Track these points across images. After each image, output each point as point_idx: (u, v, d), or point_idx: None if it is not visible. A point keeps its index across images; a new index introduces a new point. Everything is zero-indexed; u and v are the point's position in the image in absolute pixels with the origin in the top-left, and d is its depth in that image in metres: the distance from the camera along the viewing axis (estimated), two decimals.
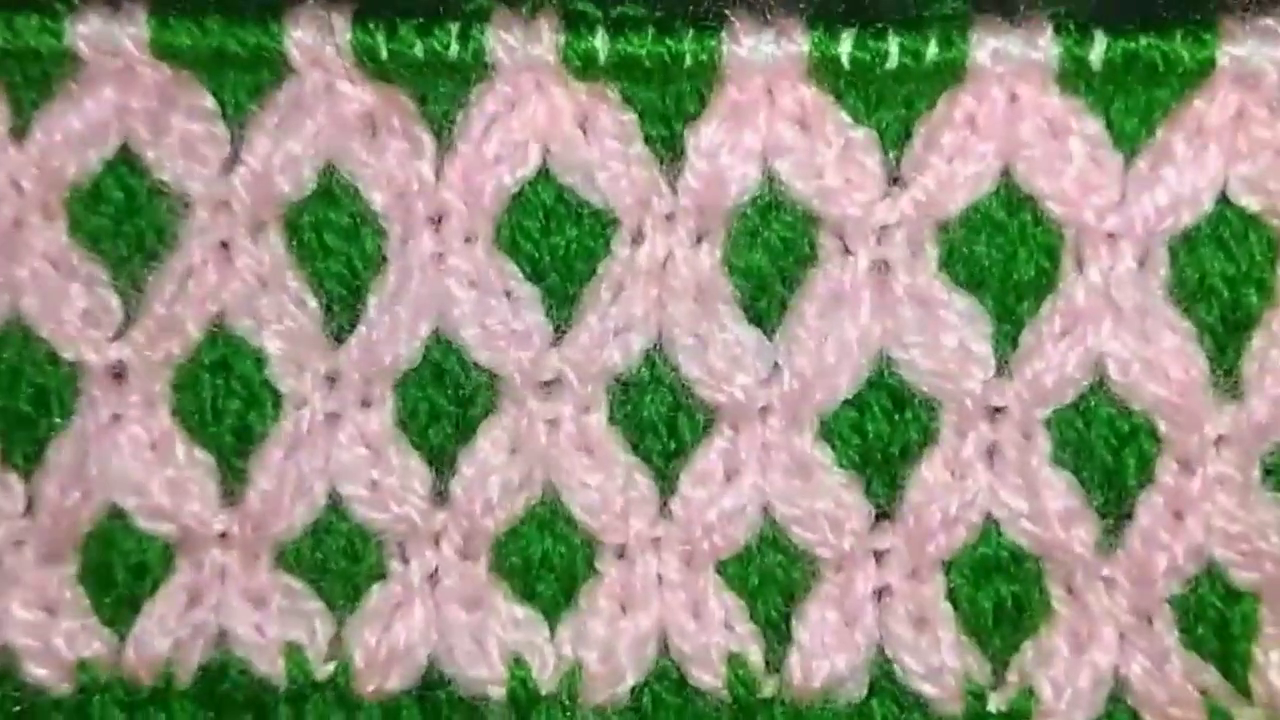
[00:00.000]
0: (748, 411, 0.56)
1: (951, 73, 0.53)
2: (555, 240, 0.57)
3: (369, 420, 0.57)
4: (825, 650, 0.57)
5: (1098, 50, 0.52)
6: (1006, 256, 0.56)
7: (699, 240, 0.56)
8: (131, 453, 0.57)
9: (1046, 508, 0.56)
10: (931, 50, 0.52)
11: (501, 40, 0.53)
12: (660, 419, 0.57)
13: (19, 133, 0.56)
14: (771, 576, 0.58)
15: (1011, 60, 0.53)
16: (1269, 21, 0.52)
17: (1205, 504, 0.56)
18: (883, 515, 0.57)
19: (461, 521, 0.57)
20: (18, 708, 0.59)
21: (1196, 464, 0.56)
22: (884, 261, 0.55)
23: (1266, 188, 0.54)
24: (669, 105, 0.55)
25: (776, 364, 0.56)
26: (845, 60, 0.53)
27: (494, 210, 0.56)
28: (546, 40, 0.53)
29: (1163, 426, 0.56)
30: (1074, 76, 0.53)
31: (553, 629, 0.58)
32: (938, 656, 0.57)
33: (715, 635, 0.57)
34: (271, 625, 0.58)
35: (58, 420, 0.58)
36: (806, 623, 0.57)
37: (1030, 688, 0.57)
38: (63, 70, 0.55)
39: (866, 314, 0.55)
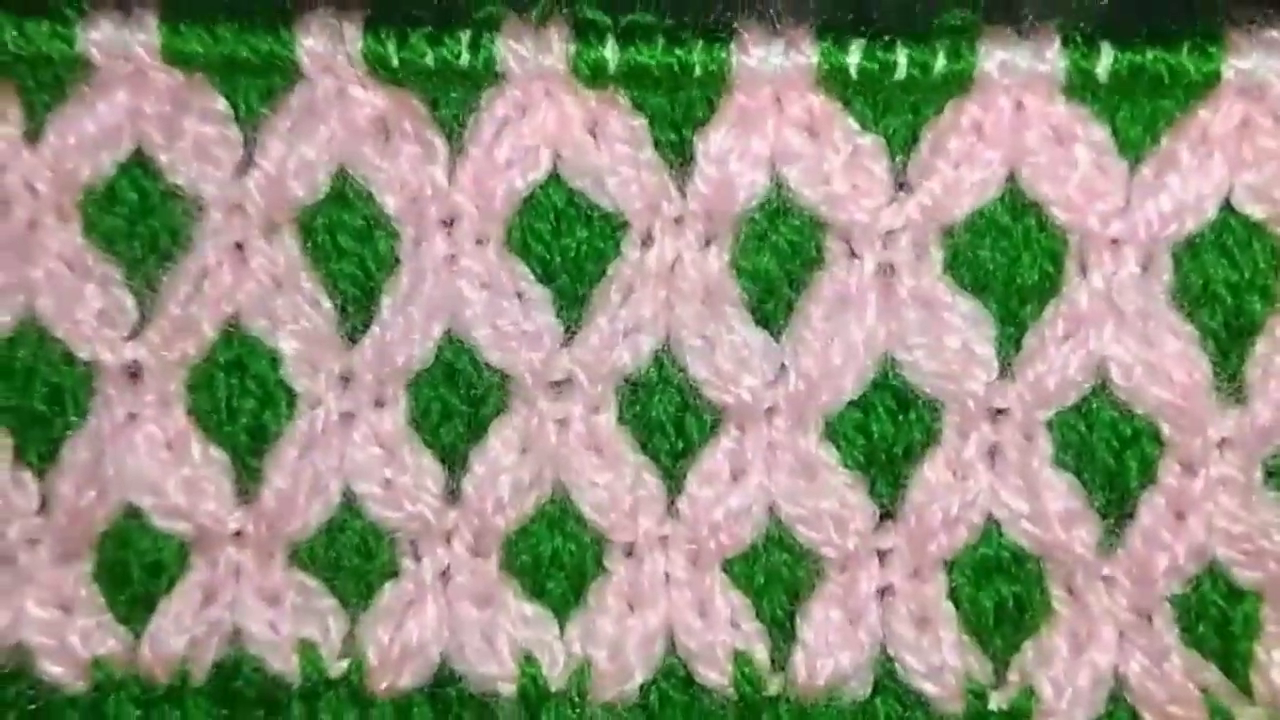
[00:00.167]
0: (754, 412, 0.57)
1: (959, 83, 0.53)
2: (566, 242, 0.57)
3: (383, 420, 0.57)
4: (829, 649, 0.57)
5: (1104, 63, 0.52)
6: (1011, 261, 0.57)
7: (707, 244, 0.56)
8: (147, 452, 0.57)
9: (1047, 509, 0.57)
10: (940, 62, 0.53)
11: (512, 50, 0.53)
12: (668, 419, 0.58)
13: (33, 136, 0.56)
14: (777, 575, 0.58)
15: (1019, 72, 0.53)
16: (1275, 34, 0.52)
17: (1207, 504, 0.56)
18: (887, 515, 0.58)
19: (473, 520, 0.57)
20: (32, 706, 0.59)
21: (1199, 466, 0.56)
22: (889, 265, 0.56)
23: (1271, 197, 0.55)
24: (678, 111, 0.56)
25: (783, 365, 0.56)
26: (853, 71, 0.53)
27: (505, 213, 0.56)
28: (556, 50, 0.53)
29: (1165, 429, 0.56)
30: (1080, 88, 0.53)
31: (562, 627, 0.58)
32: (939, 656, 0.57)
33: (721, 633, 0.58)
34: (286, 623, 0.58)
35: (73, 420, 0.58)
36: (811, 621, 0.58)
37: (1031, 687, 0.58)
38: (75, 75, 0.55)
39: (872, 316, 0.56)
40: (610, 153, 0.55)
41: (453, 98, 0.56)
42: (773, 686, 0.58)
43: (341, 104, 0.55)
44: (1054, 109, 0.54)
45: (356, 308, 0.57)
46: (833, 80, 0.54)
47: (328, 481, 0.57)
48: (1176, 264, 0.56)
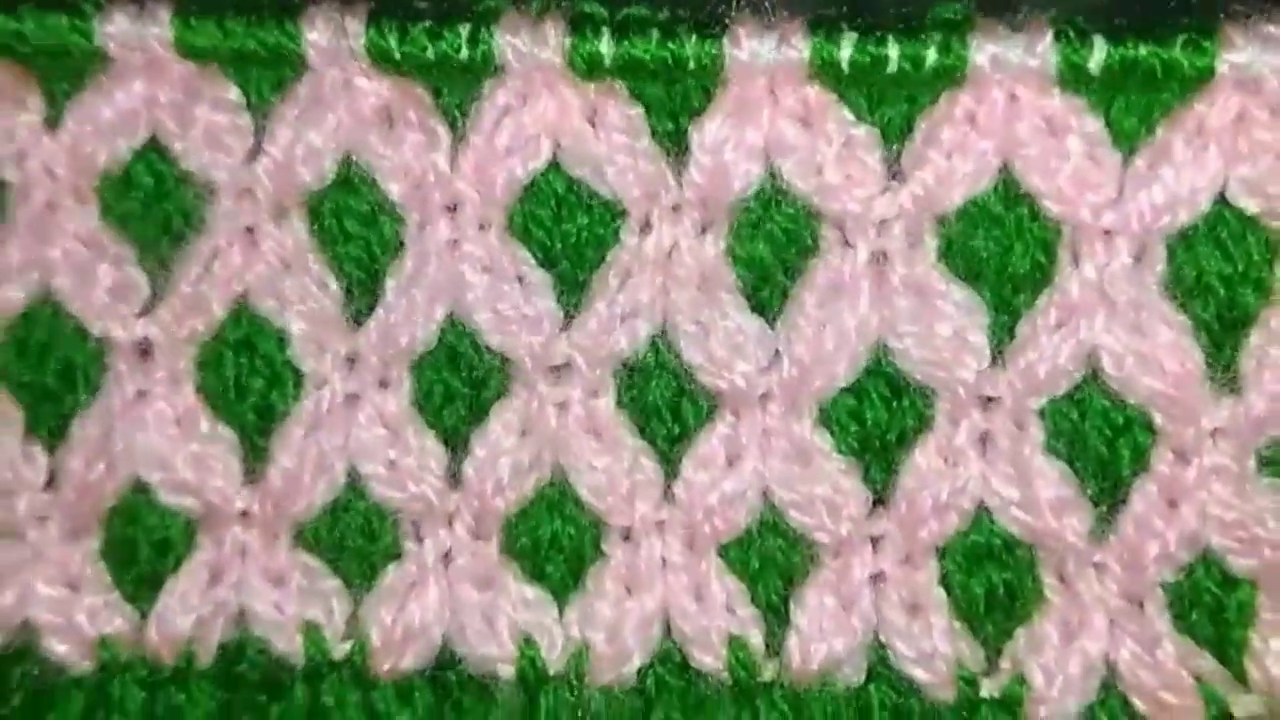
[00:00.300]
0: (748, 398, 0.57)
1: (951, 77, 0.54)
2: (566, 228, 0.58)
3: (387, 401, 0.58)
4: (823, 634, 0.58)
5: (1097, 57, 0.52)
6: (1004, 250, 0.57)
7: (704, 231, 0.57)
8: (157, 428, 0.59)
9: (1039, 496, 0.57)
10: (931, 56, 0.53)
11: (509, 44, 0.54)
12: (664, 404, 0.59)
13: (53, 123, 0.58)
14: (771, 561, 0.59)
15: (1011, 67, 0.53)
16: (1271, 29, 0.52)
17: (1200, 492, 0.56)
18: (880, 502, 0.58)
19: (473, 502, 0.58)
20: (36, 688, 0.59)
21: (1192, 455, 0.56)
22: (883, 253, 0.56)
23: (1266, 191, 0.55)
24: (675, 100, 0.57)
25: (777, 352, 0.57)
26: (845, 65, 0.53)
27: (506, 200, 0.58)
28: (553, 43, 0.54)
29: (1158, 419, 0.57)
30: (1074, 82, 0.54)
31: (561, 610, 0.59)
32: (930, 642, 0.58)
33: (717, 618, 0.58)
34: (290, 604, 0.59)
35: (83, 397, 0.59)
36: (805, 607, 0.58)
37: (1022, 675, 0.58)
38: (93, 65, 0.57)
39: (865, 304, 0.57)
40: (608, 142, 0.56)
41: (455, 87, 0.57)
42: (767, 672, 0.58)
43: (347, 94, 0.57)
44: (1048, 101, 0.55)
45: (362, 291, 0.59)
46: (825, 73, 0.54)
47: (333, 461, 0.58)
48: (1170, 255, 0.56)
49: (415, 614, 0.59)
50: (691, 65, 0.54)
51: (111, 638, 0.59)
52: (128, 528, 0.60)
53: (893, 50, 0.53)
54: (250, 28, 0.55)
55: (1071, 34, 0.53)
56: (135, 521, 0.60)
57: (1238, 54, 0.52)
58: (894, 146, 0.56)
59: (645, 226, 0.57)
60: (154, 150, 0.58)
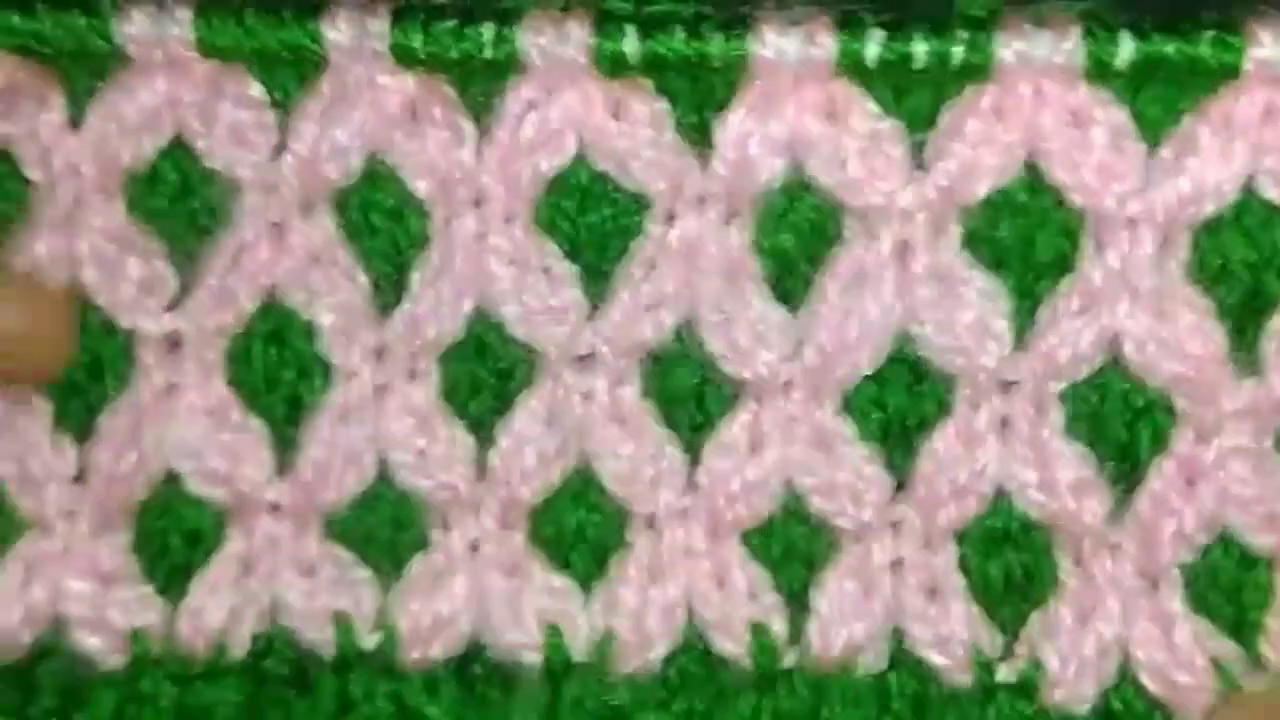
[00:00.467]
0: (771, 386, 0.58)
1: (978, 73, 0.54)
2: (591, 220, 0.58)
3: (415, 392, 0.59)
4: (844, 619, 0.59)
5: (1124, 55, 0.52)
6: (1027, 239, 0.57)
7: (728, 222, 0.57)
8: (188, 419, 0.59)
9: (1058, 478, 0.58)
10: (958, 53, 0.53)
11: (534, 43, 0.54)
12: (688, 393, 0.59)
13: (76, 121, 0.57)
14: (794, 548, 0.60)
15: (1038, 62, 0.53)
16: None
17: (1219, 472, 0.57)
18: (901, 488, 0.59)
19: (500, 491, 0.59)
20: (66, 686, 0.59)
21: (1212, 436, 0.57)
22: (906, 242, 0.57)
23: None
24: (699, 94, 0.56)
25: (800, 340, 0.58)
26: (871, 63, 0.53)
27: (532, 193, 0.58)
28: (578, 42, 0.54)
29: (1180, 401, 0.57)
30: (1100, 76, 0.54)
31: (586, 598, 0.60)
32: (948, 626, 0.59)
33: (739, 605, 0.59)
34: (321, 594, 0.59)
35: (111, 390, 0.59)
36: (826, 593, 0.59)
37: (1038, 659, 0.59)
38: (114, 63, 0.56)
39: (889, 293, 0.57)
40: (633, 136, 0.56)
41: (479, 82, 0.57)
42: (789, 659, 0.59)
43: (371, 90, 0.56)
44: (1073, 93, 0.54)
45: (389, 284, 0.59)
46: (851, 69, 0.54)
47: (363, 452, 0.59)
48: (1194, 243, 0.56)
49: (443, 603, 0.59)
50: (717, 63, 0.54)
51: (143, 631, 0.60)
52: (158, 521, 0.60)
53: (920, 47, 0.53)
54: (272, 26, 0.54)
55: (1098, 30, 0.52)
56: (166, 514, 0.60)
57: (1264, 50, 0.52)
58: (917, 137, 0.56)
59: (670, 218, 0.57)
60: (180, 145, 0.58)
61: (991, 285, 0.57)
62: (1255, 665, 0.59)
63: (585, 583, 0.60)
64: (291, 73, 0.57)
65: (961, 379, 0.58)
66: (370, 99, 0.56)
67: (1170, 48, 0.52)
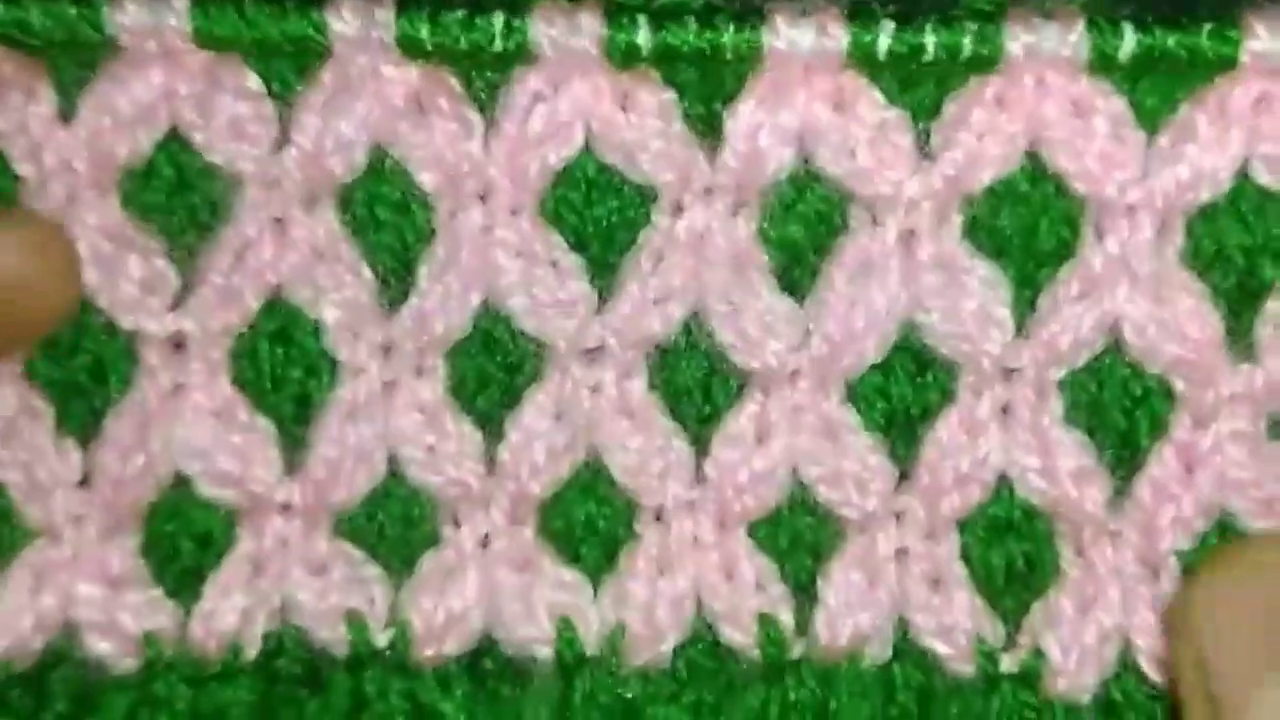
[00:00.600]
0: (779, 376, 0.58)
1: (986, 65, 0.54)
2: (598, 212, 0.58)
3: (423, 388, 0.58)
4: (850, 609, 0.59)
5: (1127, 47, 0.53)
6: (1029, 227, 0.58)
7: (735, 213, 0.57)
8: (195, 420, 0.58)
9: (1058, 466, 0.58)
10: (967, 45, 0.53)
11: (545, 34, 0.54)
12: (695, 384, 0.59)
13: (66, 115, 0.56)
14: (801, 539, 0.60)
15: (1044, 54, 0.54)
16: None
17: (1216, 456, 0.58)
18: (905, 477, 0.59)
19: (510, 486, 0.59)
20: (78, 692, 0.58)
21: (1209, 420, 0.58)
22: (911, 231, 0.57)
23: None
24: (708, 85, 0.56)
25: (807, 330, 0.58)
26: (882, 55, 0.54)
27: (538, 186, 0.57)
28: (589, 33, 0.54)
29: (1179, 385, 0.58)
30: (1103, 69, 0.54)
31: (596, 591, 0.60)
32: (951, 615, 0.59)
33: (748, 596, 0.59)
34: (333, 593, 0.59)
35: (115, 392, 0.58)
36: (832, 583, 0.59)
37: (1039, 648, 0.59)
38: (106, 55, 0.55)
39: (894, 282, 0.57)
40: (641, 127, 0.56)
41: (485, 73, 0.56)
42: (796, 650, 0.59)
43: (375, 81, 0.55)
44: (1075, 84, 0.55)
45: (395, 279, 0.58)
46: (861, 61, 0.54)
47: (372, 450, 0.58)
48: (1191, 228, 0.57)
49: (455, 599, 0.59)
50: (729, 55, 0.54)
51: (155, 635, 0.59)
52: (167, 523, 0.59)
53: (930, 39, 0.53)
54: (274, 17, 0.53)
55: (1102, 23, 0.53)
56: (175, 517, 0.59)
57: (1260, 42, 0.53)
58: (922, 126, 0.57)
59: (677, 210, 0.57)
60: (176, 139, 0.57)
61: (993, 273, 0.58)
62: None
63: (595, 576, 0.60)
64: (289, 64, 0.56)
65: (965, 367, 0.58)
66: (374, 90, 0.56)
67: (1171, 40, 0.53)
